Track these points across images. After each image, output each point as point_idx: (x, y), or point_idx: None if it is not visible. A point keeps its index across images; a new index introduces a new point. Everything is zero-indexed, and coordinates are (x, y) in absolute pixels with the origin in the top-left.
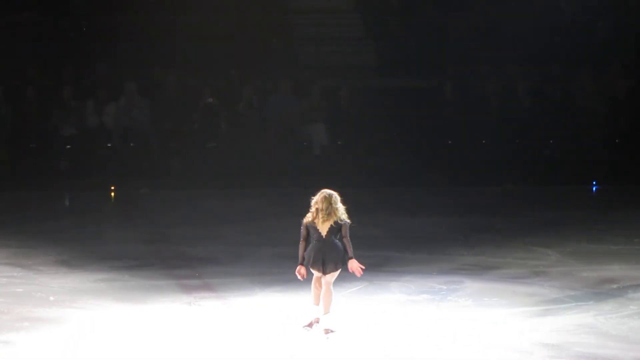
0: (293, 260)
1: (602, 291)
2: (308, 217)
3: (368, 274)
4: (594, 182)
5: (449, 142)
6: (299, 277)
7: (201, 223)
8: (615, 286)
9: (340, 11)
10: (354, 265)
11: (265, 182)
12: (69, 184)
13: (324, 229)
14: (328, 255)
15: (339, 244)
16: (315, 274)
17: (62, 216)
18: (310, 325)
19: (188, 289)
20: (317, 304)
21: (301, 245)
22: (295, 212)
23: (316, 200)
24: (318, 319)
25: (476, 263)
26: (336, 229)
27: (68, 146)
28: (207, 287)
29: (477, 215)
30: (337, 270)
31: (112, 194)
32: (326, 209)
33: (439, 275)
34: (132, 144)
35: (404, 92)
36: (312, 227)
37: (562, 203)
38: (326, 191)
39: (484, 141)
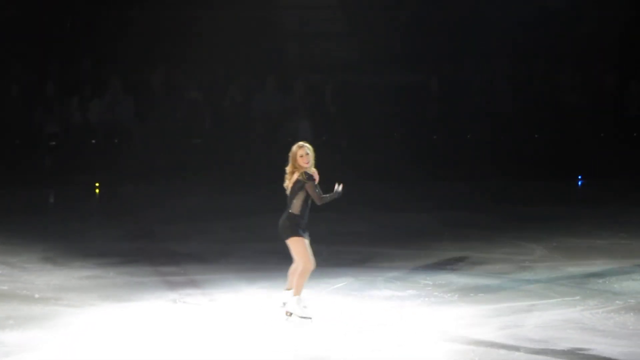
0: (279, 256)
1: (588, 286)
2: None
3: (353, 269)
4: (579, 177)
5: (434, 137)
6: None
7: (187, 220)
8: (600, 281)
9: (324, 7)
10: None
11: (250, 178)
12: (54, 180)
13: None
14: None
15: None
16: (305, 244)
17: (46, 213)
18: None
19: (173, 286)
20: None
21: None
22: (281, 208)
23: (300, 146)
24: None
25: (462, 258)
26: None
27: (52, 143)
28: (193, 284)
29: (463, 211)
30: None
31: (97, 190)
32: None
33: (425, 271)
34: (116, 141)
35: (389, 87)
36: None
37: (548, 198)
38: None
39: (468, 136)
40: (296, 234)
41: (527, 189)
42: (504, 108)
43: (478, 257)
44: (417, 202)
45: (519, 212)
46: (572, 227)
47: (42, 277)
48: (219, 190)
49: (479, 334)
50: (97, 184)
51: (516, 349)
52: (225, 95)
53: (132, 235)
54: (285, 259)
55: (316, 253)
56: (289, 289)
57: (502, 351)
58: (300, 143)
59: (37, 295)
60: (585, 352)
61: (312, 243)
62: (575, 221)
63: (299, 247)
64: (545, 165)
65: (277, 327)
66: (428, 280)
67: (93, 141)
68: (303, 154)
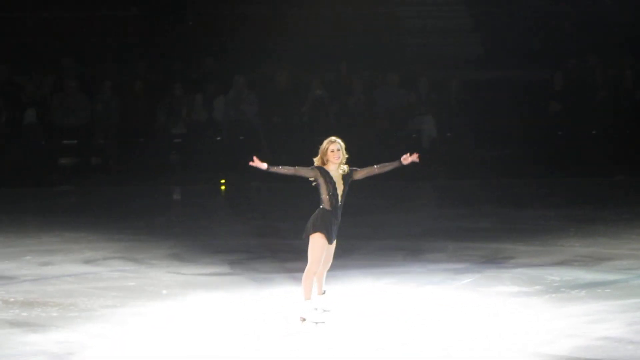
0: (403, 252)
1: None
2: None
3: (479, 265)
4: None
5: (559, 133)
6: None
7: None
8: None
9: (447, 3)
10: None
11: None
12: (179, 177)
13: (340, 183)
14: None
15: None
16: (322, 246)
17: (172, 210)
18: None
19: (300, 281)
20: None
21: (290, 168)
22: (403, 206)
23: (331, 141)
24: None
25: (589, 254)
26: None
27: (177, 140)
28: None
29: (588, 207)
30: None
31: (223, 187)
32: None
33: (552, 267)
34: (241, 138)
35: (512, 83)
36: (327, 176)
37: None
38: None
39: (593, 132)
40: (318, 230)
41: None
42: (629, 103)
43: (605, 253)
44: (542, 198)
45: None
46: None
47: (169, 274)
48: None
49: (607, 329)
50: (222, 181)
51: None
52: (350, 91)
53: (258, 231)
54: (410, 255)
55: (441, 248)
56: (322, 294)
57: (630, 347)
58: (332, 138)
59: (164, 292)
60: None
61: (438, 240)
62: None
63: (316, 246)
64: None
65: (407, 322)
66: (555, 276)
67: (218, 138)
68: (334, 149)
